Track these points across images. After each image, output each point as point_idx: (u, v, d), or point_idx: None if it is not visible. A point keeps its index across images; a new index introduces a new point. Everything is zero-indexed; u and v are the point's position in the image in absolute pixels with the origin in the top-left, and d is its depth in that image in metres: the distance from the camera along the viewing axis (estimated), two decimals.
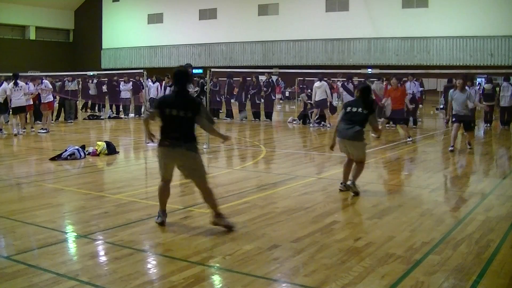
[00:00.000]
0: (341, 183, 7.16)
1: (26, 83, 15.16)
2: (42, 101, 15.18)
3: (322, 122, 17.20)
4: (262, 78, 20.53)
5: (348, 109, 6.97)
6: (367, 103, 6.96)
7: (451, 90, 11.68)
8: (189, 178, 5.38)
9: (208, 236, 5.03)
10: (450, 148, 11.24)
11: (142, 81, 18.59)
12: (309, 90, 19.07)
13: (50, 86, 15.73)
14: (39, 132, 14.58)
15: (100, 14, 47.41)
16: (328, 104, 16.88)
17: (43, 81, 15.39)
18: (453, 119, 11.47)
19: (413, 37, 33.25)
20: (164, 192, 5.40)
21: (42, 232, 5.14)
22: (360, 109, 6.84)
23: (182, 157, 5.16)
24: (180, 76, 5.27)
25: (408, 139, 13.05)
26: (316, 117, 17.14)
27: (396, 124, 14.22)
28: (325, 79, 17.49)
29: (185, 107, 5.12)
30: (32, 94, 14.88)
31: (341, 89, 19.14)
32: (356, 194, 6.90)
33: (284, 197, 6.91)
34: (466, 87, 11.54)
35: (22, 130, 14.24)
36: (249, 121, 19.46)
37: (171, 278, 3.95)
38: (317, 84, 16.71)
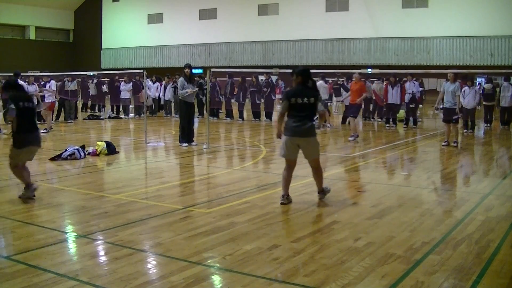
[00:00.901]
0: (283, 196, 6.32)
1: (32, 84, 15.37)
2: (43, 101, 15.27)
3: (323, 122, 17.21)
4: (262, 78, 20.54)
5: (293, 100, 6.10)
6: (312, 89, 6.26)
7: (444, 82, 12.31)
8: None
9: (208, 236, 5.03)
10: (444, 143, 12.02)
11: (142, 81, 18.60)
12: None
13: (54, 88, 15.78)
14: (41, 133, 14.50)
15: (100, 14, 47.41)
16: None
17: (51, 81, 15.44)
18: (442, 118, 12.55)
19: (413, 37, 33.24)
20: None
21: (42, 232, 5.14)
22: (306, 99, 6.09)
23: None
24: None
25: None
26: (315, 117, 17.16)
27: (349, 116, 14.13)
28: (328, 79, 17.60)
29: None
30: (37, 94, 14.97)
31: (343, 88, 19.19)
32: (324, 195, 6.57)
33: None
34: (458, 82, 12.12)
35: None
36: (249, 121, 19.47)
37: (171, 278, 3.95)
38: (322, 83, 16.74)
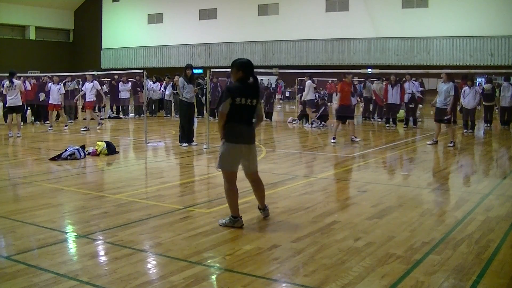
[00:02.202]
0: (239, 217, 5.33)
1: (58, 84, 15.91)
2: (50, 102, 15.93)
3: (323, 122, 17.22)
4: (262, 78, 20.55)
5: (238, 100, 5.14)
6: (255, 88, 5.33)
7: (440, 82, 12.54)
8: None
9: (208, 236, 5.03)
10: (433, 140, 12.33)
11: (142, 81, 18.60)
12: (323, 92, 19.14)
13: (99, 88, 16.39)
14: (82, 131, 15.17)
15: (100, 14, 47.43)
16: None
17: (93, 81, 15.96)
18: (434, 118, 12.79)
19: (413, 37, 33.26)
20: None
21: (42, 232, 5.14)
22: (249, 100, 5.19)
23: None
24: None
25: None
26: (316, 117, 17.17)
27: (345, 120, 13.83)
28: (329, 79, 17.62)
29: None
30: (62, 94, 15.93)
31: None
32: (268, 211, 5.74)
33: (284, 197, 6.91)
34: (451, 82, 12.12)
35: (17, 133, 13.43)
36: None
37: (171, 278, 3.95)
38: (310, 83, 16.70)
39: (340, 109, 13.02)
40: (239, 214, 5.33)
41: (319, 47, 36.63)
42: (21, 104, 13.80)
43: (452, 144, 11.90)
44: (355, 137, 13.08)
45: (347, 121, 13.69)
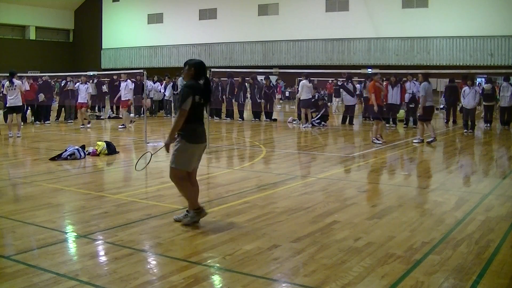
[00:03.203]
0: (202, 208, 5.42)
1: (85, 83, 16.64)
2: (79, 101, 16.62)
3: (322, 122, 17.22)
4: (261, 78, 20.54)
5: (198, 99, 5.21)
6: (210, 90, 5.47)
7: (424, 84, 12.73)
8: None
9: (208, 236, 5.03)
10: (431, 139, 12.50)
11: (143, 81, 18.60)
12: (323, 92, 19.14)
13: (132, 87, 17.11)
14: (119, 128, 16.00)
15: (100, 14, 47.41)
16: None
17: (127, 80, 16.71)
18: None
19: (413, 37, 33.25)
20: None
21: (42, 232, 5.14)
22: (203, 100, 5.31)
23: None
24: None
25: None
26: (316, 117, 17.17)
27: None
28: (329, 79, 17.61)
29: None
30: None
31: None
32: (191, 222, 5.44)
33: (284, 197, 6.91)
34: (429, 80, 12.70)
35: (17, 133, 13.37)
36: (249, 121, 19.47)
37: (171, 278, 3.95)
38: (306, 82, 16.68)
39: (379, 109, 13.00)
40: (199, 205, 5.43)
41: (319, 47, 36.62)
42: (21, 104, 13.77)
43: (417, 141, 12.56)
44: (377, 138, 12.71)
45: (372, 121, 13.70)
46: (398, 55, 33.93)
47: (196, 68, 5.36)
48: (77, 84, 17.15)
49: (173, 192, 7.23)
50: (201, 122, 5.36)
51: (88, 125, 16.44)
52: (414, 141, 12.59)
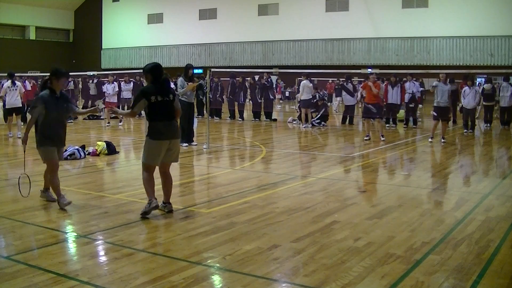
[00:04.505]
0: (153, 200, 5.69)
1: (112, 83, 17.26)
2: (106, 100, 17.04)
3: (322, 122, 17.22)
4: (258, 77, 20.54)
5: (154, 99, 5.64)
6: (167, 86, 5.88)
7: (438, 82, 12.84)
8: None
9: (208, 236, 5.03)
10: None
11: (142, 81, 18.63)
12: (323, 92, 19.11)
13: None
14: (119, 125, 16.67)
15: (100, 14, 47.44)
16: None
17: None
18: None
19: (413, 37, 33.27)
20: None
21: (42, 232, 5.14)
22: (166, 97, 5.72)
23: None
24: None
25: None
26: (316, 117, 17.17)
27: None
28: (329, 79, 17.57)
29: None
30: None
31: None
32: (171, 207, 5.94)
33: (284, 197, 6.91)
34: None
35: (17, 133, 13.22)
36: (249, 121, 19.47)
37: (171, 278, 3.95)
38: (306, 83, 16.67)
39: (365, 108, 13.21)
40: (154, 197, 5.73)
41: (319, 47, 36.63)
42: (21, 105, 13.75)
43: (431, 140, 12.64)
44: (382, 135, 13.33)
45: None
46: (398, 55, 33.94)
47: (152, 73, 5.78)
48: (105, 84, 17.94)
49: (173, 192, 7.21)
50: (165, 119, 5.71)
51: (120, 124, 17.18)
52: (442, 140, 12.53)
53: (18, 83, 13.60)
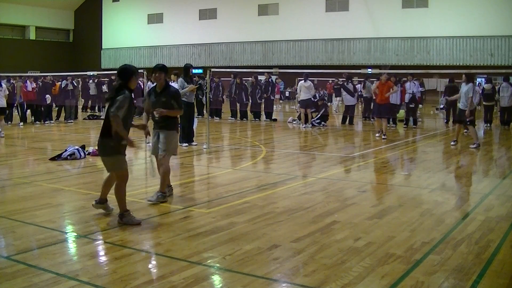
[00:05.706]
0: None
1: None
2: None
3: (323, 122, 17.22)
4: (261, 77, 20.53)
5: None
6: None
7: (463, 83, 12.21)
8: None
9: (208, 236, 5.03)
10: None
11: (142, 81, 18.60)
12: (323, 92, 19.12)
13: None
14: None
15: (100, 14, 47.42)
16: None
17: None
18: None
19: (413, 37, 33.26)
20: None
21: (42, 232, 5.14)
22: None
23: None
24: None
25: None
26: (316, 117, 17.17)
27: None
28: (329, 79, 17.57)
29: None
30: None
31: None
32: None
33: (284, 197, 6.91)
34: (471, 83, 12.01)
35: (1, 133, 13.48)
36: (249, 121, 19.47)
37: (171, 278, 3.95)
38: (305, 83, 16.66)
39: (375, 108, 13.16)
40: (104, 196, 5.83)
41: (319, 47, 36.63)
42: (5, 106, 13.99)
43: (474, 146, 11.69)
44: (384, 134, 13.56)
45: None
46: (398, 55, 33.94)
47: (119, 76, 5.50)
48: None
49: (173, 192, 7.23)
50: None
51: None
52: (471, 146, 11.78)
53: (3, 84, 14.10)
